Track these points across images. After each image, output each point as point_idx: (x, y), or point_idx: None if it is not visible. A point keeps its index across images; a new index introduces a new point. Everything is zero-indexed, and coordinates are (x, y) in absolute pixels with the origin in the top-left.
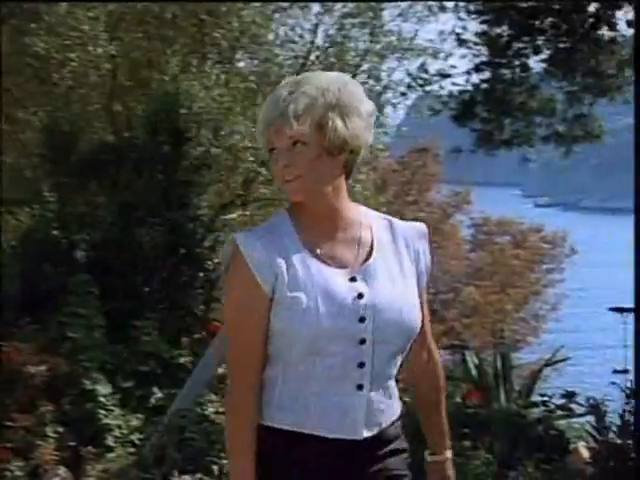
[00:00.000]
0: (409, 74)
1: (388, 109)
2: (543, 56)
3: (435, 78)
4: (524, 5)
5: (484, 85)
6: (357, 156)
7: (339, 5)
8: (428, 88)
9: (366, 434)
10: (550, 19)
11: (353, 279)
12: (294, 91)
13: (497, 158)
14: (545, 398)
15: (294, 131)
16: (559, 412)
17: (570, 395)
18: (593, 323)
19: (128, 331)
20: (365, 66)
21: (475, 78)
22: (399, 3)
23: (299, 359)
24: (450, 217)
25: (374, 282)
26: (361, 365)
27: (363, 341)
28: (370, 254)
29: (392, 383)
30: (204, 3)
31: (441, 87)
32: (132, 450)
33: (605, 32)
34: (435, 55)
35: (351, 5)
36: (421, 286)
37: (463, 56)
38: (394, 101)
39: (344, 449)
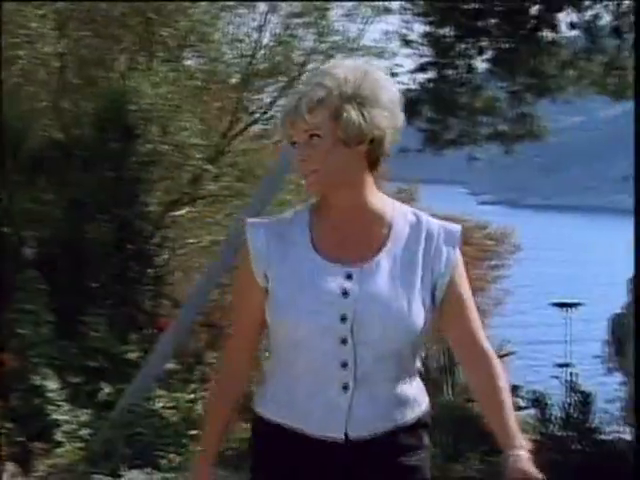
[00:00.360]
0: None
1: None
2: (487, 57)
3: None
4: (468, 7)
5: (429, 85)
6: (380, 146)
7: (285, 4)
8: None
9: (352, 435)
10: (493, 20)
11: (349, 276)
12: (310, 82)
13: (443, 156)
14: None
15: (308, 124)
16: None
17: (513, 389)
18: (537, 318)
19: (77, 327)
20: (311, 65)
21: (420, 78)
22: (345, 3)
23: (286, 354)
24: None
25: (370, 281)
26: (344, 365)
27: (344, 340)
28: (379, 251)
29: (394, 386)
30: (152, 2)
31: None
32: (81, 445)
33: (547, 34)
34: (380, 55)
35: (297, 5)
36: (437, 287)
37: (408, 56)
38: None
39: (329, 448)
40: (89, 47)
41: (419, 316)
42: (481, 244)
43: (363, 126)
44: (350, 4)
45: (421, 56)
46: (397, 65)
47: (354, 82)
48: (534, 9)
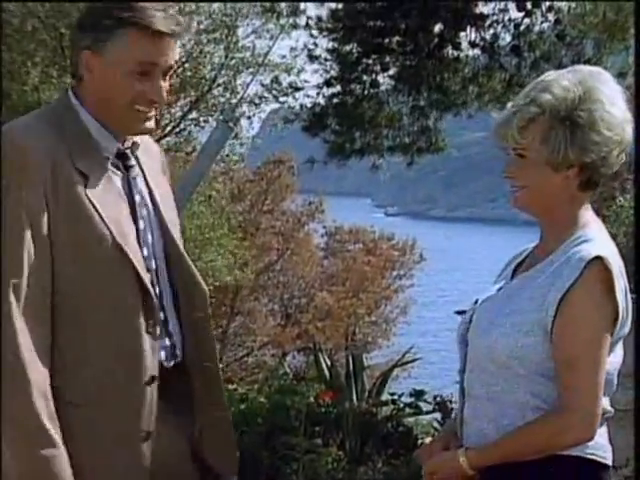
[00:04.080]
0: (263, 85)
1: (243, 121)
2: (391, 72)
3: (288, 91)
4: (372, 24)
5: (335, 99)
6: (596, 170)
7: (195, 21)
8: (282, 99)
9: None
10: (397, 38)
11: (500, 289)
12: (528, 96)
13: (349, 170)
14: (395, 397)
15: (516, 142)
16: (408, 410)
17: (418, 394)
18: (441, 326)
19: None
20: (221, 80)
21: (326, 92)
22: (253, 20)
23: None
24: (304, 226)
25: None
26: None
27: None
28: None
29: None
30: (63, 18)
31: (295, 98)
32: None
33: (449, 51)
34: (288, 70)
35: (207, 22)
36: (548, 319)
37: (315, 71)
38: (249, 114)
39: None
40: (2, 61)
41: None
42: (386, 254)
43: (570, 152)
44: (258, 21)
45: (327, 71)
46: (305, 81)
47: (572, 102)
48: (437, 27)
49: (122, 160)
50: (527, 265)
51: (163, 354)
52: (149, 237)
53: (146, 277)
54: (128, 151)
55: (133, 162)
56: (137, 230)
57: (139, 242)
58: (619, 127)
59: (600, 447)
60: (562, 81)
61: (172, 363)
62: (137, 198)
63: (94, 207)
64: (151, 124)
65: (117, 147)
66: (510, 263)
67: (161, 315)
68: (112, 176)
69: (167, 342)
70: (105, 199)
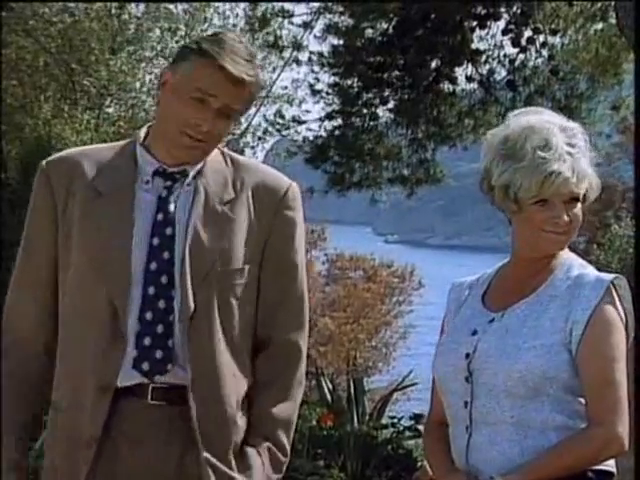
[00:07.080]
0: (267, 120)
1: (247, 152)
2: (390, 106)
3: (291, 124)
4: (372, 59)
5: (336, 132)
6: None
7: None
8: (285, 132)
9: None
10: (396, 73)
11: (492, 320)
12: (572, 143)
13: (350, 199)
14: (395, 420)
15: (574, 191)
16: (407, 433)
17: (417, 417)
18: None
19: None
20: None
21: (328, 125)
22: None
23: None
24: (307, 253)
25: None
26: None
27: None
28: (525, 298)
29: None
30: (74, 53)
31: (297, 132)
32: None
33: (446, 85)
34: (290, 101)
35: None
36: (572, 338)
37: (316, 102)
38: (253, 144)
39: None
40: (15, 95)
41: (563, 364)
42: (386, 281)
43: (598, 186)
44: (260, 54)
45: (328, 104)
46: (306, 111)
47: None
48: (434, 63)
49: (167, 180)
50: (507, 291)
51: (126, 364)
52: (165, 254)
53: (118, 291)
54: (178, 174)
55: (169, 183)
56: (151, 246)
57: (149, 257)
58: None
59: None
60: (574, 123)
61: (138, 374)
62: (159, 216)
63: (88, 226)
64: (195, 154)
65: (155, 168)
66: (465, 295)
67: (131, 327)
68: (142, 195)
69: (133, 353)
70: (111, 215)
